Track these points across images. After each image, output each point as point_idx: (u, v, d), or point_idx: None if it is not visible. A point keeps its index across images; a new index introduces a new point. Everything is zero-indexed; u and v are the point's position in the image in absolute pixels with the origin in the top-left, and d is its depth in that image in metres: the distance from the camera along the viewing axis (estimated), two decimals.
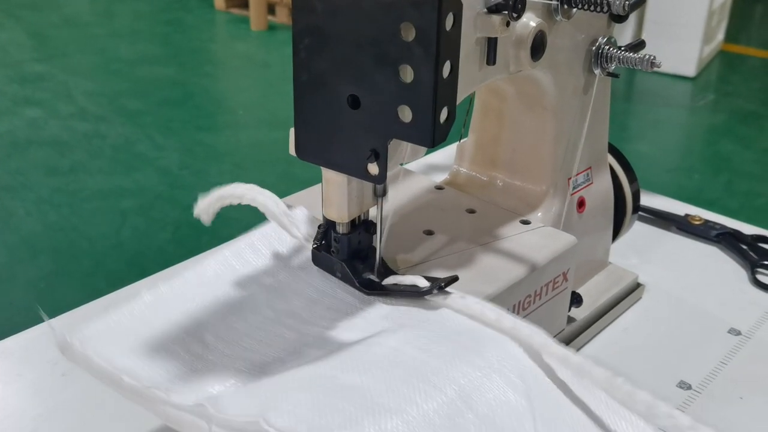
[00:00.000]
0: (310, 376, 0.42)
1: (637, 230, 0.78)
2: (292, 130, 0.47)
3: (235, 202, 0.53)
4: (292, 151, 0.48)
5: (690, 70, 2.96)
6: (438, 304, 0.47)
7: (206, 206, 0.53)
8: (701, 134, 2.67)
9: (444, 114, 0.42)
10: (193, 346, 0.46)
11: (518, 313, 0.54)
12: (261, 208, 0.53)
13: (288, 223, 0.53)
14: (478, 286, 0.51)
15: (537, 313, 0.56)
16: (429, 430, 0.38)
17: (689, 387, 0.59)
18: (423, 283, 0.47)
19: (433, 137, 0.42)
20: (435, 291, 0.47)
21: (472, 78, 0.49)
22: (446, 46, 0.40)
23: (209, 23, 3.63)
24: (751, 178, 2.29)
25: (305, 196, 0.61)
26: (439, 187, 0.64)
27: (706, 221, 0.79)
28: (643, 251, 0.76)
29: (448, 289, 0.48)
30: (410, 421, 0.38)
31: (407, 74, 0.41)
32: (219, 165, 2.29)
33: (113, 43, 3.26)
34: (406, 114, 0.42)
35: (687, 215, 0.80)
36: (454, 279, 0.47)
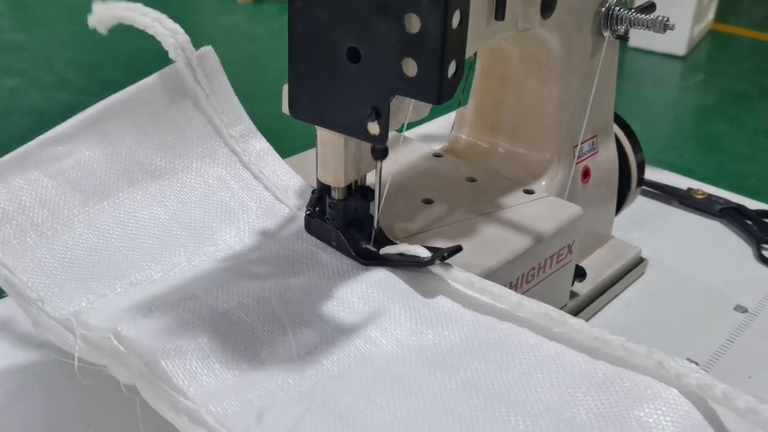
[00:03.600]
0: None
1: (639, 204, 0.75)
2: (285, 87, 0.44)
3: (136, 24, 0.49)
4: (285, 109, 0.44)
5: (680, 49, 2.93)
6: (439, 280, 0.44)
7: (102, 18, 0.49)
8: (691, 114, 2.65)
9: (452, 68, 0.38)
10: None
11: (521, 287, 0.52)
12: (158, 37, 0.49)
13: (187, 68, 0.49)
14: (480, 257, 0.49)
15: (540, 286, 0.54)
16: None
17: (696, 365, 0.56)
18: (424, 253, 0.44)
19: (440, 93, 0.38)
20: (437, 262, 0.44)
21: (478, 34, 0.45)
22: None
23: None
24: (741, 158, 2.28)
25: (297, 162, 0.58)
26: (437, 155, 0.61)
27: (710, 195, 0.77)
28: (644, 225, 0.74)
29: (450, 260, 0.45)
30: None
31: (413, 24, 0.37)
32: None
33: None
34: (410, 67, 0.38)
35: (690, 189, 0.78)
36: (458, 249, 0.44)
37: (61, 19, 3.12)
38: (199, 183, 0.50)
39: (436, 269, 0.44)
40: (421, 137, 0.81)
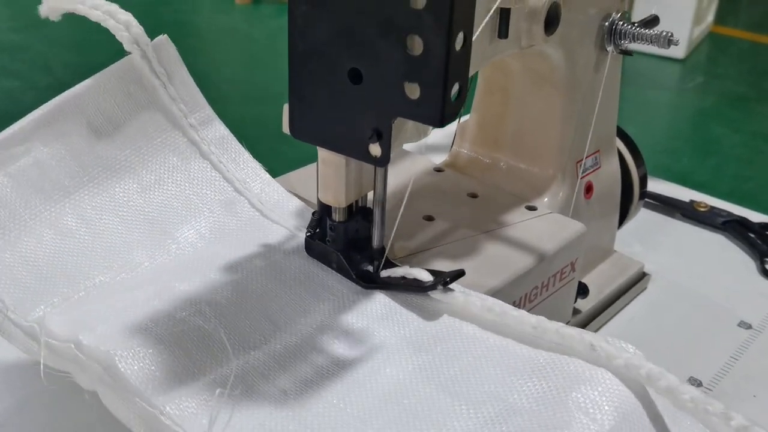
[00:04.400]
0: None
1: (641, 216, 0.74)
2: (285, 106, 0.43)
3: (88, 16, 0.49)
4: (285, 129, 0.43)
5: (679, 51, 2.92)
6: (440, 304, 0.43)
7: (52, 7, 0.49)
8: (690, 117, 2.65)
9: (455, 90, 0.38)
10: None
11: (524, 306, 0.51)
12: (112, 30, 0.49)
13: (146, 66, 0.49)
14: (482, 278, 0.48)
15: (543, 305, 0.53)
16: None
17: (700, 384, 0.56)
18: (426, 277, 0.44)
19: (443, 116, 0.38)
20: (439, 287, 0.43)
21: (482, 53, 0.45)
22: (460, 14, 0.36)
23: None
24: (740, 161, 2.28)
25: (296, 178, 0.57)
26: (438, 169, 0.60)
27: (712, 208, 0.76)
28: (647, 238, 0.73)
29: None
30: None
31: (416, 45, 0.37)
32: None
33: None
34: (412, 90, 0.38)
35: (692, 201, 0.77)
36: (460, 274, 0.44)
37: (58, 20, 3.11)
38: (159, 177, 0.50)
39: (438, 294, 0.43)
40: (420, 147, 0.81)
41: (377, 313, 0.44)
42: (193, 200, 0.50)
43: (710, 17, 3.19)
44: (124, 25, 0.49)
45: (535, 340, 0.40)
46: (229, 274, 0.45)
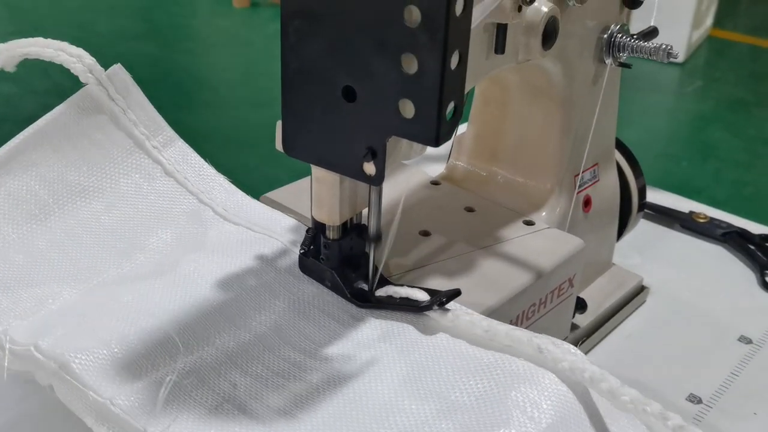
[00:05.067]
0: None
1: (640, 228, 0.74)
2: (279, 123, 0.42)
3: (41, 56, 0.51)
4: (279, 146, 0.43)
5: (678, 55, 2.92)
6: (437, 323, 0.43)
7: (7, 58, 0.51)
8: (689, 121, 2.64)
9: (450, 109, 0.37)
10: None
11: (521, 324, 0.50)
12: (66, 65, 0.51)
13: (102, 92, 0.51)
14: (479, 295, 0.47)
15: (540, 322, 0.52)
16: None
17: (699, 401, 0.55)
18: (422, 297, 0.43)
19: (438, 135, 0.37)
20: (435, 307, 0.42)
21: (477, 68, 0.44)
22: (455, 33, 0.35)
23: None
24: (739, 166, 2.27)
25: (289, 192, 0.56)
26: (435, 182, 0.60)
27: (712, 219, 0.75)
28: (645, 250, 0.72)
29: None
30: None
31: (410, 64, 0.36)
32: (199, 146, 2.18)
33: (91, 17, 3.17)
34: (407, 108, 0.37)
35: (691, 212, 0.77)
36: (456, 293, 0.43)
37: (57, 23, 3.10)
38: (125, 195, 0.52)
39: (434, 314, 0.43)
40: (416, 158, 0.80)
41: (370, 331, 0.43)
42: (159, 213, 0.51)
43: (709, 21, 3.19)
44: (76, 58, 0.51)
45: (488, 343, 0.41)
46: (192, 278, 0.46)
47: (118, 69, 0.52)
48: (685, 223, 0.76)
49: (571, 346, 0.39)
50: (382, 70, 0.37)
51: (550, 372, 0.39)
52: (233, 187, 0.54)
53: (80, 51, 0.51)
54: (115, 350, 0.40)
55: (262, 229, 0.51)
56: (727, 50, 3.22)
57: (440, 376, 0.40)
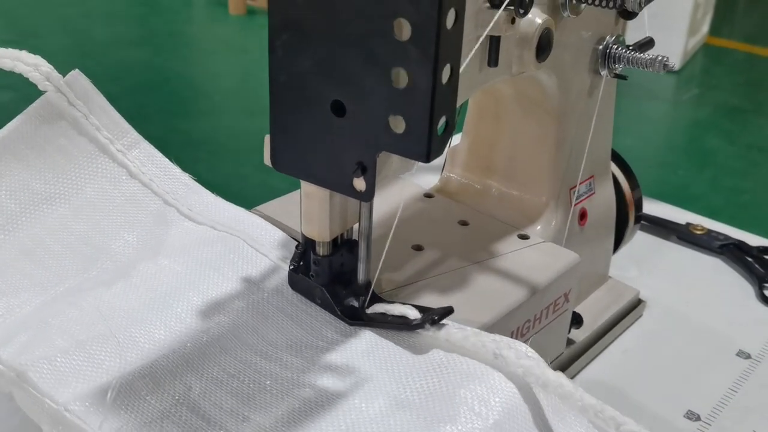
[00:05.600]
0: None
1: (637, 239, 0.73)
2: (267, 138, 0.41)
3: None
4: (267, 161, 0.42)
5: (674, 63, 2.92)
6: (429, 339, 0.42)
7: None
8: (685, 129, 2.64)
9: (441, 124, 0.36)
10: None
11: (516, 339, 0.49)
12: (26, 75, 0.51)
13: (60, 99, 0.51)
14: (472, 312, 0.46)
15: (535, 338, 0.51)
16: None
17: (698, 418, 0.54)
18: (413, 315, 0.42)
19: (429, 150, 0.36)
20: (427, 325, 0.41)
21: (470, 81, 0.43)
22: (446, 46, 0.34)
23: (186, 6, 3.53)
24: (735, 174, 2.26)
25: (279, 206, 0.55)
26: (428, 195, 0.59)
27: (709, 231, 0.75)
28: (642, 262, 0.72)
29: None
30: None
31: (400, 79, 0.35)
32: (194, 153, 2.21)
33: (86, 24, 3.16)
34: (398, 124, 0.36)
35: (688, 224, 0.76)
36: (449, 311, 0.42)
37: (51, 30, 3.09)
38: (91, 200, 0.52)
39: (426, 332, 0.42)
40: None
41: (361, 349, 0.42)
42: (125, 216, 0.51)
43: (705, 28, 3.19)
44: (33, 66, 0.51)
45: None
46: (155, 279, 0.47)
47: (77, 74, 0.52)
48: (682, 234, 0.75)
49: (528, 349, 0.39)
50: (371, 84, 0.36)
51: (500, 372, 0.39)
52: (198, 186, 0.54)
53: (37, 59, 0.51)
54: (73, 357, 0.41)
55: (225, 227, 0.51)
56: (723, 58, 3.22)
57: (393, 376, 0.40)
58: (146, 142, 0.54)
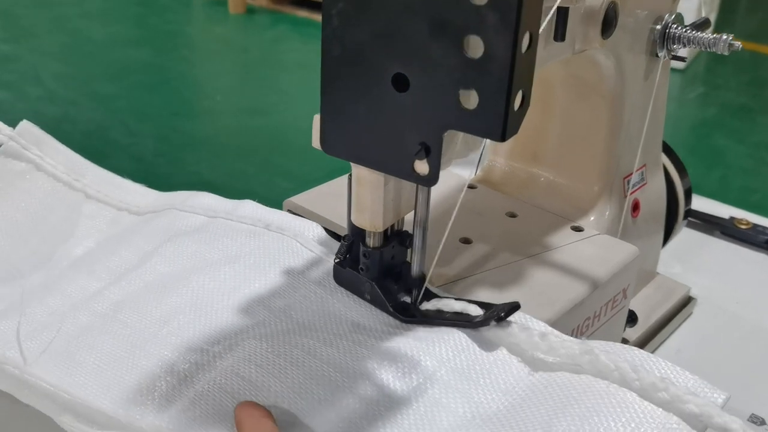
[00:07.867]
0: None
1: (679, 234, 0.70)
2: (316, 117, 0.38)
3: None
4: (315, 143, 0.38)
5: (680, 62, 2.90)
6: (497, 339, 0.38)
7: None
8: (693, 128, 2.61)
9: (518, 99, 0.33)
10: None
11: None
12: None
13: None
14: (533, 308, 0.43)
15: (592, 337, 0.48)
16: None
17: (762, 422, 0.51)
18: (476, 312, 0.38)
19: (504, 128, 0.33)
20: (493, 323, 0.38)
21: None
22: (529, 11, 0.31)
23: (185, 5, 3.50)
24: (745, 173, 2.24)
25: (313, 197, 0.52)
26: (471, 186, 0.55)
27: (755, 225, 0.71)
28: (686, 259, 0.68)
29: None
30: None
31: (475, 47, 0.32)
32: (195, 153, 2.17)
33: (85, 23, 3.12)
34: (470, 99, 0.33)
35: (732, 218, 0.72)
36: (515, 307, 0.38)
37: (49, 30, 3.05)
38: (56, 227, 0.54)
39: (492, 330, 0.38)
40: None
41: (416, 347, 0.39)
42: (81, 226, 0.54)
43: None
44: None
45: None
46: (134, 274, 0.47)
47: (25, 124, 0.56)
48: (726, 229, 0.72)
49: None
50: (440, 55, 0.32)
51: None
52: (146, 189, 0.56)
53: None
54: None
55: (263, 224, 0.49)
56: (727, 56, 3.19)
57: (534, 415, 0.34)
58: (97, 166, 0.58)
